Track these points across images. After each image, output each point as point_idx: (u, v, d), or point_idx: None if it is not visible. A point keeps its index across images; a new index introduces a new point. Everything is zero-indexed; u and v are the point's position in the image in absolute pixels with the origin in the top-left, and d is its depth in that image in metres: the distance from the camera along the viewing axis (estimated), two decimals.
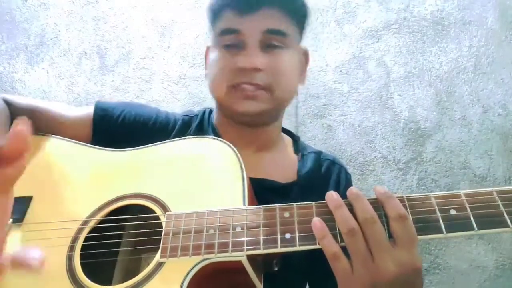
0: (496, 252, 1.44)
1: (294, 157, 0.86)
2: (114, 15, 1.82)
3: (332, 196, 0.55)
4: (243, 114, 0.76)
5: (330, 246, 0.51)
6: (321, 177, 0.84)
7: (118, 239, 0.66)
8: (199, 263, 0.55)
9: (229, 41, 0.76)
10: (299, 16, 0.80)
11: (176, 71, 1.73)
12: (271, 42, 0.76)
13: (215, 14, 0.79)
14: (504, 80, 1.63)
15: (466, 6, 1.72)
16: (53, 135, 0.78)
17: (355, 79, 1.68)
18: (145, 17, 1.80)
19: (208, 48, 0.85)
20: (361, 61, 1.70)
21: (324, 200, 0.57)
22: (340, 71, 1.69)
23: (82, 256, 0.62)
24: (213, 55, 0.79)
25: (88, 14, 1.82)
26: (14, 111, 0.78)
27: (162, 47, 1.76)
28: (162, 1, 1.81)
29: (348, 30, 1.74)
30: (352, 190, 0.55)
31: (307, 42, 1.88)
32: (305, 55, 0.88)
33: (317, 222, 0.53)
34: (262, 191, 0.69)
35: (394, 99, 1.64)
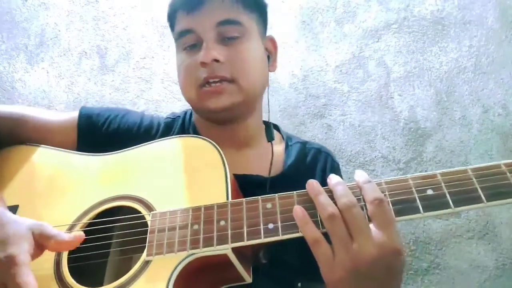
0: (496, 252, 1.44)
1: (279, 150, 0.86)
2: (114, 15, 1.82)
3: (312, 184, 0.56)
4: (214, 111, 0.76)
5: (311, 232, 0.52)
6: (307, 166, 0.84)
7: (106, 241, 0.66)
8: (185, 258, 0.56)
9: (188, 42, 0.77)
10: (251, 2, 0.79)
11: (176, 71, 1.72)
12: (227, 33, 0.76)
13: (171, 21, 0.82)
14: (504, 80, 1.63)
15: (466, 6, 1.72)
16: (40, 145, 0.79)
17: (355, 79, 1.68)
18: (145, 17, 1.80)
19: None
20: (361, 61, 1.70)
21: (304, 190, 0.58)
22: (340, 71, 1.69)
23: (71, 260, 0.62)
24: (178, 60, 0.80)
25: (88, 14, 1.82)
26: None
27: (162, 47, 1.76)
28: (162, 1, 1.81)
29: (348, 30, 1.74)
30: (331, 177, 0.57)
31: (307, 42, 1.89)
32: (272, 42, 0.88)
33: (298, 209, 0.54)
34: (248, 186, 0.70)
35: (394, 99, 1.64)
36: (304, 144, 0.88)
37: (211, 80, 0.75)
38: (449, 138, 1.58)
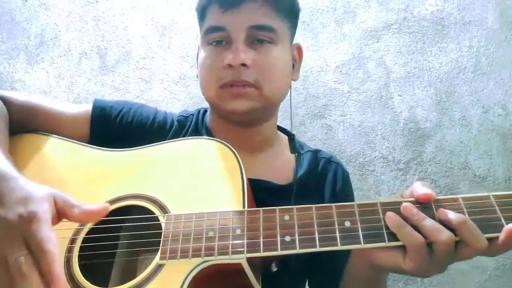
0: None
1: (290, 157, 0.85)
2: (114, 15, 1.82)
3: (411, 210, 0.54)
4: (232, 113, 0.76)
5: (411, 236, 0.52)
6: (317, 176, 0.83)
7: (116, 240, 0.66)
8: (199, 265, 0.55)
9: (216, 39, 0.76)
10: (287, 10, 0.78)
11: (176, 71, 1.72)
12: (258, 37, 0.75)
13: (202, 12, 0.79)
14: (504, 80, 1.63)
15: (466, 6, 1.72)
16: (51, 135, 0.77)
17: (355, 79, 1.68)
18: (145, 17, 1.80)
19: (199, 48, 0.84)
20: (361, 61, 1.70)
21: (322, 200, 0.56)
22: (340, 71, 1.69)
23: (80, 258, 0.61)
24: (202, 54, 0.79)
25: (88, 14, 1.82)
26: (12, 109, 0.77)
27: (162, 47, 1.76)
28: (162, 1, 1.81)
29: (348, 30, 1.74)
30: (418, 187, 0.55)
31: (307, 42, 1.89)
32: (298, 50, 0.87)
33: (391, 214, 0.54)
34: (258, 191, 0.69)
35: (394, 99, 1.64)
36: (315, 153, 0.87)
37: (234, 84, 0.74)
38: (449, 138, 1.58)
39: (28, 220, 0.50)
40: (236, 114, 0.76)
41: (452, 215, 0.52)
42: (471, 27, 1.70)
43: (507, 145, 1.55)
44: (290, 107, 0.85)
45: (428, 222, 0.52)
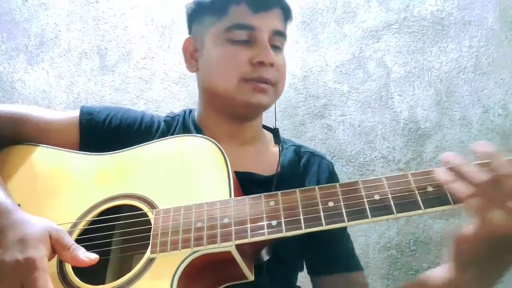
0: None
1: (275, 151, 0.88)
2: (114, 15, 1.82)
3: (452, 157, 0.56)
4: (252, 105, 0.79)
5: (462, 188, 0.52)
6: (300, 169, 0.87)
7: (109, 239, 0.66)
8: (189, 256, 0.56)
9: (239, 37, 0.79)
10: (290, 20, 0.87)
11: (176, 71, 1.73)
12: (275, 42, 0.81)
13: (223, 8, 0.80)
14: (504, 80, 1.63)
15: (466, 6, 1.72)
16: (39, 144, 0.78)
17: (355, 79, 1.68)
18: (145, 17, 1.80)
19: (190, 40, 0.87)
20: (361, 61, 1.70)
21: (308, 187, 0.59)
22: (340, 71, 1.69)
23: None
24: (217, 48, 0.80)
25: (88, 14, 1.82)
26: None
27: (162, 47, 1.76)
28: (162, 1, 1.81)
29: (348, 30, 1.74)
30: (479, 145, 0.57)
31: (307, 42, 1.89)
32: None
33: (439, 170, 0.55)
34: (246, 184, 0.71)
35: (394, 99, 1.64)
36: (299, 147, 0.91)
37: (259, 79, 0.79)
38: (449, 138, 1.58)
39: (26, 268, 0.52)
40: (255, 107, 0.81)
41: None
42: (471, 27, 1.70)
43: (507, 145, 1.55)
44: (275, 106, 0.89)
45: (471, 167, 0.53)
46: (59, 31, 1.80)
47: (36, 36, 1.79)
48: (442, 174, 0.54)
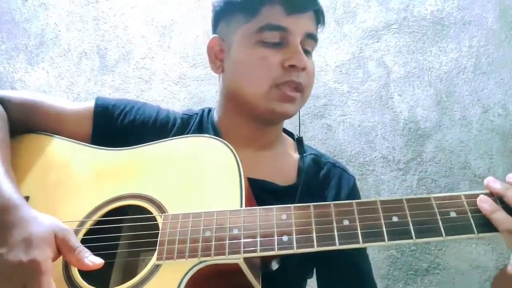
0: (496, 253, 1.44)
1: (294, 159, 0.84)
2: (114, 15, 1.82)
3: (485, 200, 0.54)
4: (281, 115, 0.77)
5: (504, 220, 0.51)
6: (320, 180, 0.83)
7: (116, 240, 0.66)
8: (196, 265, 0.55)
9: (270, 39, 0.74)
10: (322, 22, 0.84)
11: (176, 71, 1.72)
12: (307, 46, 0.78)
13: (255, 8, 0.75)
14: (504, 80, 1.63)
15: (466, 6, 1.72)
16: (53, 135, 0.77)
17: (355, 79, 1.68)
18: (145, 17, 1.80)
19: (216, 40, 0.81)
20: (361, 61, 1.70)
21: (323, 202, 0.56)
22: (340, 71, 1.69)
23: None
24: (246, 51, 0.76)
25: (88, 14, 1.82)
26: (11, 109, 0.76)
27: (162, 47, 1.76)
28: (162, 1, 1.81)
29: (348, 30, 1.74)
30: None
31: None
32: None
33: (483, 197, 0.53)
34: (261, 193, 0.68)
35: (394, 99, 1.64)
36: (319, 157, 0.86)
37: (289, 85, 0.75)
38: (449, 138, 1.58)
39: (29, 270, 0.51)
40: (283, 116, 0.78)
41: None
42: (471, 27, 1.69)
43: (507, 145, 1.55)
44: (299, 114, 0.87)
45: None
46: (59, 31, 1.80)
47: (36, 36, 1.79)
48: (485, 203, 0.53)
